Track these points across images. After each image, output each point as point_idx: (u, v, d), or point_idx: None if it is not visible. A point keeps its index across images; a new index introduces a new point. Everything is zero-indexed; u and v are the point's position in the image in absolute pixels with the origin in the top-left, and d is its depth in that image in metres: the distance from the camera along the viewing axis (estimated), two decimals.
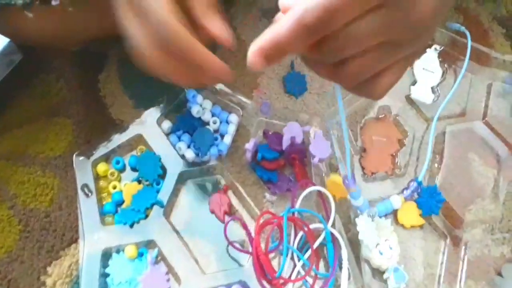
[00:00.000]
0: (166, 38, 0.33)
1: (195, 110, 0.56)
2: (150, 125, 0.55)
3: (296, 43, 0.26)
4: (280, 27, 0.25)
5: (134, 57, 0.37)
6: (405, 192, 0.54)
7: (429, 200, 0.54)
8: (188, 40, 0.33)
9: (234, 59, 0.61)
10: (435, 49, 0.59)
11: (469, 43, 0.57)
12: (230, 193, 0.55)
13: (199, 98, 0.57)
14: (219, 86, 0.57)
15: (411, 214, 0.54)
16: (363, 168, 0.55)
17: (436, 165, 0.56)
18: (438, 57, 0.60)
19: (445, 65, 0.60)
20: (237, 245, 0.51)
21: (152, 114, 0.56)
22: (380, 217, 0.53)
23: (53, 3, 0.44)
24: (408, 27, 0.27)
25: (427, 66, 0.59)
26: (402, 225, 0.54)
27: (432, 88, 0.58)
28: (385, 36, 0.27)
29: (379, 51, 0.27)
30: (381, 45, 0.27)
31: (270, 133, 0.56)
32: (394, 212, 0.54)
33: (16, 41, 0.52)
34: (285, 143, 0.55)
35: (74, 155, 0.54)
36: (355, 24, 0.25)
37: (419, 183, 0.54)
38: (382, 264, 0.50)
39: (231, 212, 0.54)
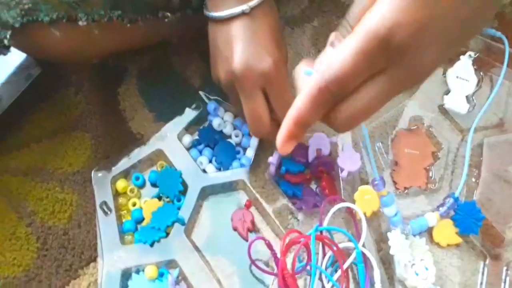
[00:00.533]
0: (260, 132, 0.46)
1: (216, 123, 0.54)
2: (170, 140, 0.54)
3: (316, 116, 0.30)
4: (298, 108, 0.30)
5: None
6: (440, 209, 0.51)
7: (467, 218, 0.50)
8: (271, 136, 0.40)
9: None
10: (470, 56, 0.56)
11: (507, 49, 0.54)
12: (253, 209, 0.53)
13: (221, 110, 0.55)
14: None
15: (447, 232, 0.51)
16: (395, 183, 0.52)
17: (473, 179, 0.53)
18: (473, 64, 0.56)
19: (481, 73, 0.56)
20: (262, 265, 0.49)
21: (172, 128, 0.55)
22: (414, 235, 0.50)
23: (80, 23, 0.45)
24: (411, 81, 0.29)
25: (461, 74, 0.56)
26: (438, 244, 0.51)
27: (467, 97, 0.55)
28: (392, 94, 0.29)
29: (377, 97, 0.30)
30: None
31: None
32: (429, 230, 0.51)
33: (39, 57, 0.53)
34: (311, 155, 0.52)
35: (92, 171, 0.53)
36: (366, 87, 0.29)
37: (456, 199, 0.50)
38: (418, 285, 0.47)
39: (254, 229, 0.52)
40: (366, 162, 0.51)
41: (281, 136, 0.32)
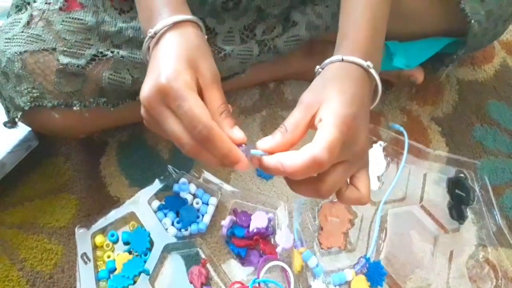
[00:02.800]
0: (206, 138, 0.40)
1: (182, 193, 0.67)
2: (142, 204, 0.66)
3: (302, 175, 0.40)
4: (296, 160, 0.39)
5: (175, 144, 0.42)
6: (355, 267, 0.64)
7: (374, 274, 0.64)
8: (221, 139, 0.40)
9: None
10: (380, 144, 0.72)
11: (406, 140, 0.70)
12: (208, 264, 0.64)
13: (186, 183, 0.68)
14: (204, 175, 0.69)
15: (361, 285, 0.63)
16: (320, 244, 0.66)
17: (380, 241, 0.67)
18: (383, 151, 0.72)
19: (389, 158, 0.72)
20: None
21: (144, 193, 0.67)
22: (335, 286, 0.63)
23: (74, 108, 0.57)
24: (360, 160, 0.44)
25: (373, 159, 0.71)
26: None
27: (378, 177, 0.70)
28: (350, 171, 0.44)
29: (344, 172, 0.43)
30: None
31: (239, 211, 0.67)
32: (348, 284, 0.64)
33: (40, 131, 0.64)
34: (252, 227, 0.65)
35: (76, 227, 0.64)
36: (333, 170, 0.42)
37: (367, 260, 0.64)
38: None
39: (207, 283, 0.63)
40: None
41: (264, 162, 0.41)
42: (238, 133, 0.43)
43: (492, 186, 0.72)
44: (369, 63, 0.45)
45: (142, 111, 0.43)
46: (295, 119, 0.43)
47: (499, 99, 0.84)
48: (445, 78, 0.84)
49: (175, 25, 0.44)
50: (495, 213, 0.70)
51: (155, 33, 0.44)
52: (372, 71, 0.45)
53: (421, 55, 0.71)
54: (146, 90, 0.41)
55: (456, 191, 0.72)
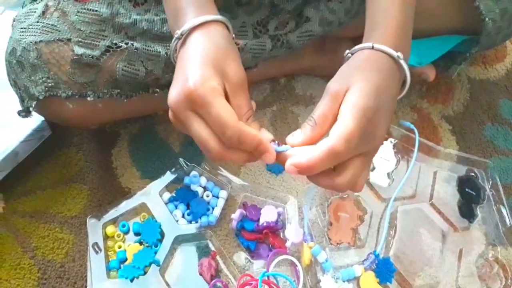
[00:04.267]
0: (237, 141, 0.40)
1: (192, 185, 0.67)
2: (153, 195, 0.66)
3: (325, 165, 0.41)
4: (314, 155, 0.40)
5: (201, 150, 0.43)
6: (365, 263, 0.64)
7: (383, 270, 0.64)
8: (251, 136, 0.41)
9: None
10: (391, 141, 0.72)
11: (417, 138, 0.70)
12: (218, 256, 0.64)
13: (197, 176, 0.69)
14: (213, 166, 0.70)
15: (370, 282, 0.64)
16: (329, 239, 0.66)
17: (389, 238, 0.67)
18: (393, 148, 0.72)
19: (399, 155, 0.72)
20: None
21: (155, 185, 0.67)
22: (344, 281, 0.63)
23: (88, 99, 0.57)
24: (375, 152, 0.45)
25: (384, 156, 0.71)
26: None
27: (387, 174, 0.70)
28: (367, 164, 0.44)
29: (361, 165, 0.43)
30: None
31: (248, 205, 0.67)
32: (357, 280, 0.64)
33: (54, 121, 0.65)
34: (261, 220, 0.65)
35: (87, 217, 0.64)
36: (351, 162, 0.42)
37: (377, 256, 0.64)
38: None
39: (217, 275, 0.63)
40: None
41: (292, 162, 0.41)
42: (266, 134, 0.44)
43: (503, 185, 0.72)
44: (399, 53, 0.45)
45: (170, 114, 0.44)
46: (323, 110, 0.43)
47: (511, 98, 0.84)
48: (456, 76, 0.84)
49: (202, 25, 0.45)
50: (505, 212, 0.70)
51: (182, 34, 0.45)
52: (402, 62, 0.45)
53: (433, 53, 0.71)
54: (173, 95, 0.42)
55: (466, 189, 0.71)
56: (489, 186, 0.72)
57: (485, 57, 0.88)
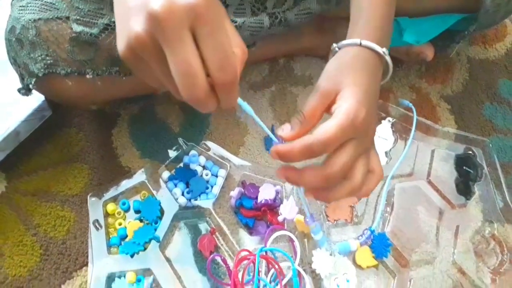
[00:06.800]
0: (231, 81, 0.33)
1: (191, 164, 0.68)
2: (152, 174, 0.67)
3: (301, 158, 0.41)
4: (293, 147, 0.41)
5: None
6: (360, 238, 0.65)
7: (379, 246, 0.65)
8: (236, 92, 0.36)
9: (225, 122, 0.74)
10: (389, 120, 0.73)
11: (415, 117, 0.71)
12: (217, 233, 0.65)
13: (196, 155, 0.70)
14: (212, 145, 0.71)
15: (366, 256, 0.65)
16: (327, 216, 0.67)
17: (386, 215, 0.67)
18: (391, 127, 0.73)
19: (397, 134, 0.73)
20: (222, 278, 0.62)
21: (154, 164, 0.68)
22: (340, 254, 0.63)
23: (87, 76, 0.58)
24: (367, 138, 0.44)
25: (382, 134, 0.72)
26: (360, 266, 0.65)
27: (385, 152, 0.71)
28: (360, 148, 0.43)
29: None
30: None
31: (247, 183, 0.68)
32: (353, 256, 0.65)
33: (54, 99, 0.65)
34: (260, 198, 0.66)
35: (88, 196, 0.65)
36: (342, 148, 0.42)
37: (372, 231, 0.65)
38: None
39: (216, 251, 0.64)
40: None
41: (275, 149, 0.42)
42: None
43: (501, 164, 0.73)
44: (384, 49, 0.47)
45: (146, 27, 0.32)
46: (312, 107, 0.44)
47: (510, 78, 0.84)
48: (455, 56, 0.84)
49: None
50: (502, 190, 0.70)
51: None
52: (387, 58, 0.47)
53: (431, 31, 0.71)
54: (171, 1, 0.31)
55: (464, 168, 0.72)
56: (487, 165, 0.72)
57: (484, 37, 0.88)
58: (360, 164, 0.44)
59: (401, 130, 0.73)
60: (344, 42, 0.48)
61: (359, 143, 0.43)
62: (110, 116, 0.75)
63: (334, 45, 0.49)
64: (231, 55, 0.33)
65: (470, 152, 0.73)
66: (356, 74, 0.45)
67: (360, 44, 0.46)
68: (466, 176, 0.71)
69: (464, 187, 0.70)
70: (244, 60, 0.36)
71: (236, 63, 0.34)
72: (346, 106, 0.42)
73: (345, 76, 0.45)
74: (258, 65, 0.80)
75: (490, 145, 0.73)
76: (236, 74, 0.34)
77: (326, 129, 0.40)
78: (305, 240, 0.64)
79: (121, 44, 0.35)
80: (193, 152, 0.70)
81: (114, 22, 0.57)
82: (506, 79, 0.84)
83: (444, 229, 0.68)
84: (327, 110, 0.44)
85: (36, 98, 0.66)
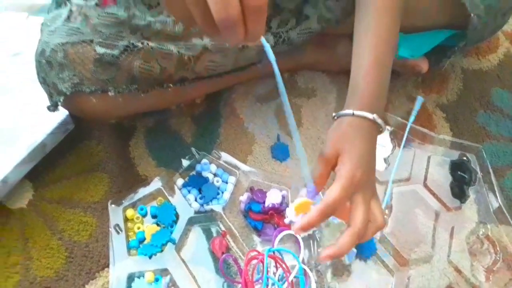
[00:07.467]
0: (228, 12, 0.33)
1: (203, 172, 0.74)
2: (167, 181, 0.73)
3: (321, 221, 0.51)
4: (311, 217, 0.50)
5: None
6: None
7: (365, 246, 0.69)
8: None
9: (234, 132, 0.80)
10: (387, 129, 0.78)
11: (409, 125, 0.76)
12: (228, 235, 0.70)
13: (208, 163, 0.75)
14: (222, 154, 0.76)
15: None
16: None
17: (386, 217, 0.72)
18: (390, 135, 0.78)
19: (395, 142, 0.78)
20: (233, 277, 0.67)
21: (169, 173, 0.74)
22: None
23: (110, 94, 0.64)
24: (368, 190, 0.53)
25: (380, 142, 0.76)
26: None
27: (384, 158, 0.76)
28: (368, 194, 0.53)
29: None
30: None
31: (255, 189, 0.73)
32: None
33: (78, 115, 0.70)
34: (267, 203, 0.71)
35: (108, 202, 0.71)
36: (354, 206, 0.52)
37: None
38: None
39: (227, 252, 0.69)
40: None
41: (299, 226, 0.51)
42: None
43: (494, 168, 0.77)
44: (375, 115, 0.55)
45: None
46: (320, 172, 0.55)
47: (503, 87, 0.89)
48: (450, 67, 0.89)
49: None
50: (495, 193, 0.75)
51: None
52: (378, 121, 0.55)
53: (424, 46, 0.76)
54: None
55: (459, 172, 0.77)
56: (480, 169, 0.77)
57: (478, 48, 0.93)
58: (375, 206, 0.54)
59: (399, 139, 0.78)
60: (341, 112, 0.56)
61: (363, 195, 0.52)
62: (127, 129, 0.80)
63: (334, 114, 0.58)
64: None
65: (465, 158, 0.78)
66: (351, 141, 0.54)
67: (353, 114, 0.55)
68: (460, 180, 0.76)
69: (459, 191, 0.75)
70: None
71: None
72: (344, 170, 0.51)
73: (342, 143, 0.53)
74: (264, 79, 0.85)
75: (483, 151, 0.78)
76: None
77: (331, 193, 0.50)
78: (310, 241, 0.69)
79: None
80: (204, 160, 0.75)
81: (132, 43, 0.63)
82: (499, 88, 0.89)
83: (441, 230, 0.72)
84: (332, 169, 0.54)
85: (61, 113, 0.71)
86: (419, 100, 0.77)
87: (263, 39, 0.40)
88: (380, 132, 0.57)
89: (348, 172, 0.51)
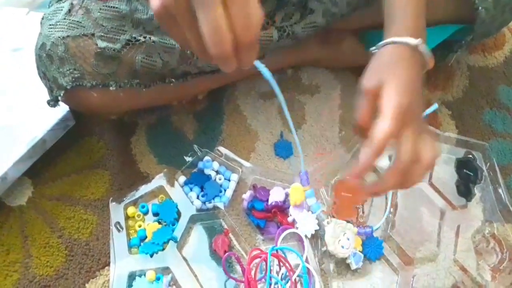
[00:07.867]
0: (221, 47, 0.35)
1: (206, 169, 0.73)
2: (169, 179, 0.72)
3: (376, 158, 0.47)
4: (366, 155, 0.47)
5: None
6: (360, 229, 0.68)
7: (372, 247, 0.68)
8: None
9: (237, 129, 0.79)
10: None
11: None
12: (230, 234, 0.69)
13: (210, 161, 0.74)
14: (225, 151, 0.75)
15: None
16: (333, 217, 0.70)
17: (391, 215, 0.71)
18: None
19: None
20: (235, 276, 0.66)
21: (171, 170, 0.73)
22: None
23: (111, 88, 0.63)
24: (416, 121, 0.49)
25: None
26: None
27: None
28: (417, 130, 0.48)
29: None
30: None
31: (258, 186, 0.72)
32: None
33: (79, 110, 0.70)
34: (270, 200, 0.70)
35: (109, 200, 0.70)
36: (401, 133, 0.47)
37: (372, 229, 0.68)
38: (344, 253, 0.65)
39: (229, 250, 0.68)
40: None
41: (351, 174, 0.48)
42: None
43: (500, 166, 0.76)
44: (418, 40, 0.51)
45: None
46: (364, 108, 0.50)
47: (509, 84, 0.88)
48: (456, 64, 0.88)
49: None
50: (502, 191, 0.74)
51: None
52: (421, 48, 0.51)
53: (431, 41, 0.74)
54: None
55: (464, 170, 0.76)
56: (487, 167, 0.76)
57: (484, 45, 0.92)
58: (425, 144, 0.48)
59: None
60: (380, 43, 0.53)
61: (412, 128, 0.47)
62: (128, 125, 0.79)
63: (373, 48, 0.54)
64: (254, 17, 0.35)
65: (470, 155, 0.77)
66: (394, 69, 0.50)
67: (394, 42, 0.51)
68: (466, 178, 0.75)
69: (465, 189, 0.74)
70: (261, 23, 0.37)
71: (258, 24, 0.36)
72: (390, 100, 0.47)
73: (384, 73, 0.49)
74: None
75: (490, 148, 0.77)
76: (257, 34, 0.36)
77: (380, 128, 0.46)
78: (313, 241, 0.68)
79: (155, 2, 0.37)
80: (207, 158, 0.74)
81: (134, 37, 0.62)
82: (505, 85, 0.88)
83: (446, 229, 0.71)
84: (374, 108, 0.49)
85: (61, 109, 0.70)
86: (434, 106, 0.76)
87: (256, 62, 0.42)
88: (424, 67, 0.53)
89: (395, 102, 0.47)
